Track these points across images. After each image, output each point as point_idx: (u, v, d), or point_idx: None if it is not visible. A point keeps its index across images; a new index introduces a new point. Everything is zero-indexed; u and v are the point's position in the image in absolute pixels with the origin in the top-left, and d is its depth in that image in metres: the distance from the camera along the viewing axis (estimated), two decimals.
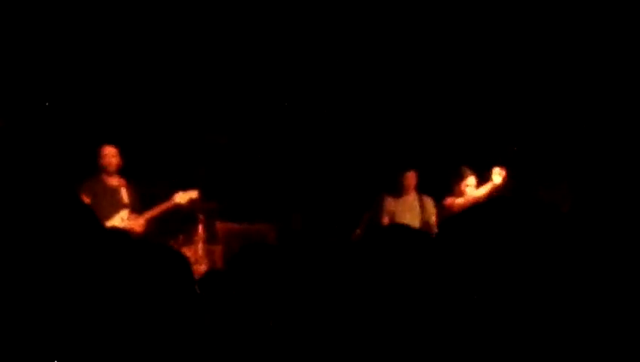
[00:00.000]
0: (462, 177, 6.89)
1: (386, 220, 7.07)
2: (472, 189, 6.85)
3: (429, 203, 7.26)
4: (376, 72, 8.34)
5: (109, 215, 6.79)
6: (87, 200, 6.74)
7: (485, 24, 7.88)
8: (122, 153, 6.97)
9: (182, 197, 7.00)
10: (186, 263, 3.05)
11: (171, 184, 7.54)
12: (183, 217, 7.55)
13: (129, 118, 8.09)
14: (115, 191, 6.91)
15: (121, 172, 7.03)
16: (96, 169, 6.90)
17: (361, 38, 8.17)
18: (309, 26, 8.15)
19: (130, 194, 6.98)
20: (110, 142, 6.93)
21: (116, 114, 8.01)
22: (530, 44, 7.79)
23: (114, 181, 6.93)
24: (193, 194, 7.06)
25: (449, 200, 6.87)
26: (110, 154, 6.86)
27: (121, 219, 6.82)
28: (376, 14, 8.04)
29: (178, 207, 7.03)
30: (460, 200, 6.71)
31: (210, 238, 7.62)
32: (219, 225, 7.73)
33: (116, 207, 6.90)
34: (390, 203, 7.17)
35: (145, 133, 8.20)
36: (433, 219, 7.16)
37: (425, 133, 8.34)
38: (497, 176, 6.77)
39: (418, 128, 8.36)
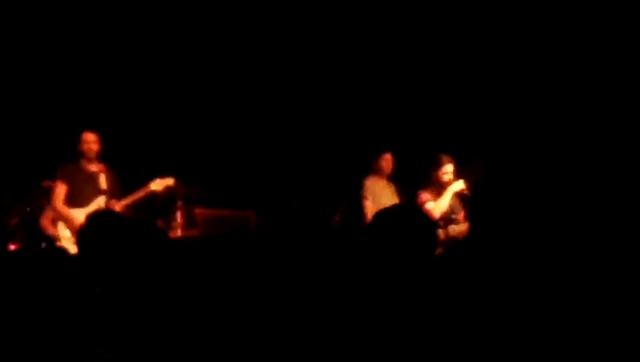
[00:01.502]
0: (439, 165, 6.90)
1: (369, 203, 7.07)
2: (449, 176, 6.86)
3: (395, 189, 7.31)
4: (356, 59, 8.36)
5: (88, 201, 6.78)
6: (65, 185, 6.72)
7: (467, 18, 7.93)
8: (103, 139, 6.95)
9: (158, 185, 7.02)
10: (166, 239, 3.06)
11: (151, 169, 7.53)
12: (162, 203, 7.54)
13: (110, 104, 8.09)
14: (93, 177, 6.89)
15: (102, 158, 7.02)
16: (75, 153, 6.88)
17: (341, 27, 8.19)
18: (288, 15, 8.16)
19: (109, 180, 6.97)
20: (91, 128, 6.91)
21: (97, 100, 8.01)
22: (511, 38, 7.85)
23: (93, 167, 6.91)
24: (169, 181, 7.08)
25: (423, 197, 6.86)
26: (91, 141, 6.84)
27: (98, 205, 6.81)
28: (357, 5, 8.07)
29: (155, 194, 7.04)
30: (430, 205, 6.73)
31: (189, 224, 7.62)
32: (198, 211, 7.73)
33: (95, 192, 6.88)
34: (374, 184, 7.18)
35: (125, 118, 8.19)
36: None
37: (402, 119, 8.38)
38: (458, 184, 6.80)
39: (395, 115, 8.40)
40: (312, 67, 8.41)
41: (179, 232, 7.50)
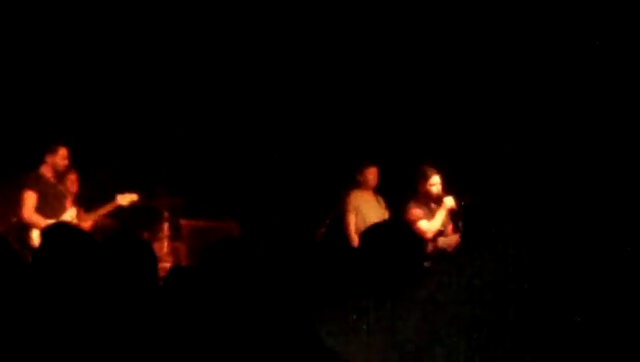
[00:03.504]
0: (425, 177, 6.90)
1: (352, 217, 7.07)
2: (437, 188, 6.86)
3: (382, 201, 7.30)
4: (341, 69, 8.36)
5: (58, 213, 6.78)
6: (35, 193, 6.69)
7: (458, 23, 7.94)
8: (83, 149, 7.03)
9: (123, 199, 7.06)
10: (151, 254, 3.05)
11: (136, 181, 7.53)
12: (148, 214, 7.53)
13: (94, 114, 8.05)
14: (61, 189, 6.94)
15: (77, 167, 7.07)
16: (42, 162, 6.85)
17: (328, 33, 8.19)
18: (278, 20, 8.16)
19: (76, 190, 7.04)
20: (64, 138, 6.93)
21: (76, 109, 7.97)
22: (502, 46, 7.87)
23: (60, 178, 6.96)
24: (133, 196, 7.12)
25: (414, 214, 6.83)
26: (63, 156, 6.85)
27: (70, 217, 6.81)
28: (343, 12, 8.07)
29: (120, 208, 7.06)
30: (424, 226, 6.70)
31: (175, 235, 7.61)
32: (183, 222, 7.73)
33: (63, 204, 6.89)
34: (357, 198, 7.17)
35: (109, 129, 8.16)
36: (387, 218, 7.18)
37: (385, 130, 8.37)
38: (449, 201, 6.81)
39: (379, 125, 8.39)
40: (297, 79, 8.40)
41: (165, 243, 7.50)
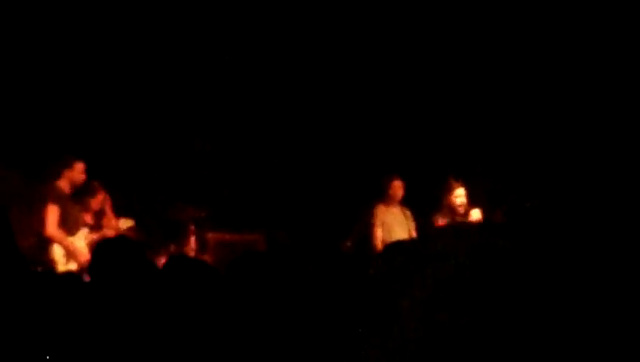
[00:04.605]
0: (450, 190, 6.89)
1: (379, 231, 7.06)
2: (462, 200, 6.85)
3: (409, 214, 7.28)
4: (365, 82, 8.38)
5: (73, 228, 6.72)
6: (57, 210, 6.56)
7: (475, 33, 7.94)
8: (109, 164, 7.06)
9: (123, 223, 7.02)
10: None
11: (163, 193, 7.57)
12: (174, 227, 7.57)
13: (119, 127, 8.10)
14: (76, 205, 6.85)
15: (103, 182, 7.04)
16: (58, 175, 6.74)
17: (346, 49, 8.22)
18: (295, 36, 8.20)
19: (98, 205, 7.00)
20: (89, 153, 6.91)
21: (102, 124, 8.01)
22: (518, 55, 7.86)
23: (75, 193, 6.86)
24: (129, 222, 7.07)
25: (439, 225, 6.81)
26: (80, 170, 6.75)
27: (84, 237, 6.78)
28: (362, 22, 8.09)
29: (119, 232, 6.89)
30: None
31: (201, 248, 7.64)
32: (209, 235, 7.76)
33: (79, 220, 6.83)
34: (383, 212, 7.16)
35: (136, 143, 8.22)
36: (413, 231, 7.18)
37: (410, 142, 8.37)
38: (476, 214, 6.79)
39: (403, 137, 8.40)
40: (324, 94, 8.43)
41: (192, 256, 7.52)
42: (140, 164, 8.23)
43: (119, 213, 7.15)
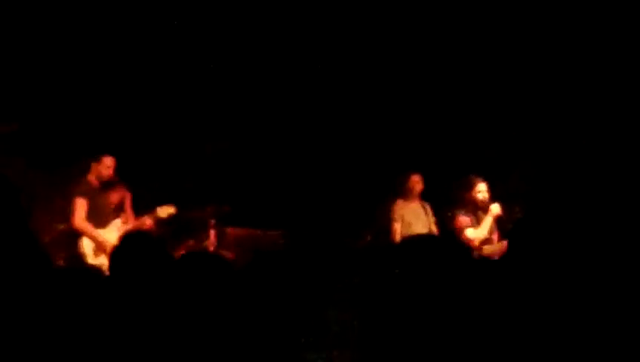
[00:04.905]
0: (471, 185, 6.85)
1: (398, 225, 7.05)
2: (484, 195, 6.81)
3: (429, 209, 7.26)
4: (381, 77, 8.38)
5: (103, 222, 6.82)
6: (86, 201, 6.70)
7: (488, 30, 7.94)
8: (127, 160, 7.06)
9: (162, 211, 7.04)
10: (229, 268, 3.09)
11: (182, 190, 7.60)
12: (194, 222, 7.59)
13: (132, 126, 8.16)
14: (107, 198, 6.94)
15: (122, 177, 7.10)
16: (87, 170, 6.89)
17: (364, 42, 8.21)
18: (312, 32, 8.21)
19: (120, 201, 7.06)
20: (110, 149, 6.97)
21: (121, 123, 8.07)
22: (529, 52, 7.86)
23: (105, 187, 6.97)
24: (171, 209, 7.09)
25: (462, 222, 6.78)
26: (107, 165, 6.87)
27: (116, 228, 6.84)
28: (379, 18, 8.09)
29: (159, 220, 7.04)
30: (471, 234, 6.67)
31: (220, 243, 7.66)
32: (229, 231, 7.78)
33: (109, 213, 6.94)
34: (402, 207, 7.14)
35: (151, 139, 8.27)
36: (434, 226, 7.16)
37: (427, 138, 8.37)
38: (496, 208, 6.76)
39: (421, 133, 8.39)
40: (341, 90, 8.44)
41: (211, 251, 7.53)
42: (162, 162, 8.28)
43: (142, 208, 7.18)
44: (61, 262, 6.75)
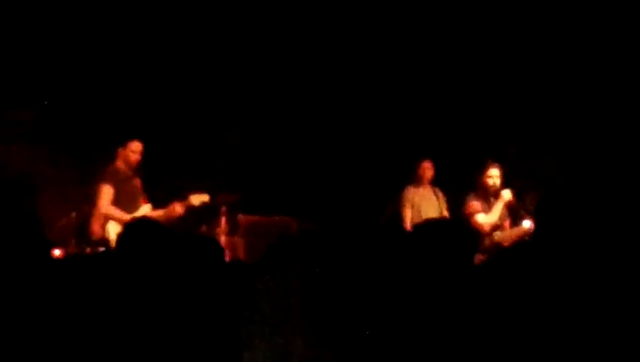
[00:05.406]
0: (484, 169, 6.83)
1: (409, 211, 7.06)
2: (494, 181, 6.78)
3: (441, 195, 7.25)
4: (391, 65, 8.37)
5: (131, 207, 6.81)
6: (112, 187, 6.71)
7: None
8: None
9: (195, 199, 7.01)
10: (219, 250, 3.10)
11: (193, 177, 7.60)
12: (205, 209, 7.58)
13: (148, 117, 8.18)
14: (135, 184, 6.94)
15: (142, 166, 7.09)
16: (114, 157, 6.89)
17: (370, 33, 8.21)
18: (320, 22, 8.22)
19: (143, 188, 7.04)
20: (135, 137, 6.95)
21: (137, 113, 8.10)
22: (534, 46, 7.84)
23: (132, 174, 6.95)
24: (205, 197, 7.06)
25: (473, 207, 6.75)
26: (138, 151, 6.86)
27: (145, 213, 6.83)
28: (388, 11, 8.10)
29: (192, 208, 7.01)
30: (481, 219, 6.63)
31: (232, 230, 7.65)
32: (241, 218, 7.77)
33: (137, 199, 6.93)
34: (412, 193, 7.16)
35: (165, 126, 8.29)
36: (446, 212, 7.16)
37: (440, 124, 8.36)
38: (507, 194, 6.72)
39: (433, 119, 8.38)
40: (354, 77, 8.43)
41: (222, 238, 7.52)
42: (177, 151, 8.30)
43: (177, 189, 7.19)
44: (72, 249, 6.78)
